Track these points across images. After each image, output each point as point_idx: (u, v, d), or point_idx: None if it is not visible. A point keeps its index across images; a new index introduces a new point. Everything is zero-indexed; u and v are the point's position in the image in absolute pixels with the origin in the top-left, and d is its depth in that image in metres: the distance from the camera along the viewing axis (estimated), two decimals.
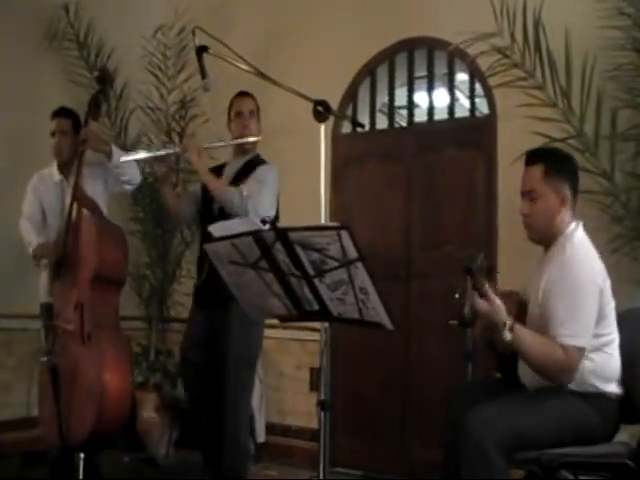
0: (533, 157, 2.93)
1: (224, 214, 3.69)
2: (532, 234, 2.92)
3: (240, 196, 3.65)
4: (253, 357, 3.85)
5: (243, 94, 4.00)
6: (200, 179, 3.89)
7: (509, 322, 2.61)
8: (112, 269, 3.99)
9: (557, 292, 2.72)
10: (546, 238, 2.89)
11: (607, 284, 2.79)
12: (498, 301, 2.60)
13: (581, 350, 2.66)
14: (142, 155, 4.06)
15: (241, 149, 3.97)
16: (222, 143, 4.03)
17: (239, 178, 3.86)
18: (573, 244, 2.80)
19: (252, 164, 3.91)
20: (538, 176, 2.85)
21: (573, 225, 2.86)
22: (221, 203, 3.73)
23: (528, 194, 2.88)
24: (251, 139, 3.92)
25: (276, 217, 3.81)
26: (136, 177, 4.35)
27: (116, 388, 3.74)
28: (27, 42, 5.30)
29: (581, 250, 2.80)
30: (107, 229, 4.04)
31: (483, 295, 2.57)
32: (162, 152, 3.98)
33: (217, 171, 4.00)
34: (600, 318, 2.74)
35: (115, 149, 4.25)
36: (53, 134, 4.29)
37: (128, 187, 4.41)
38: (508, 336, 2.60)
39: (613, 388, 2.78)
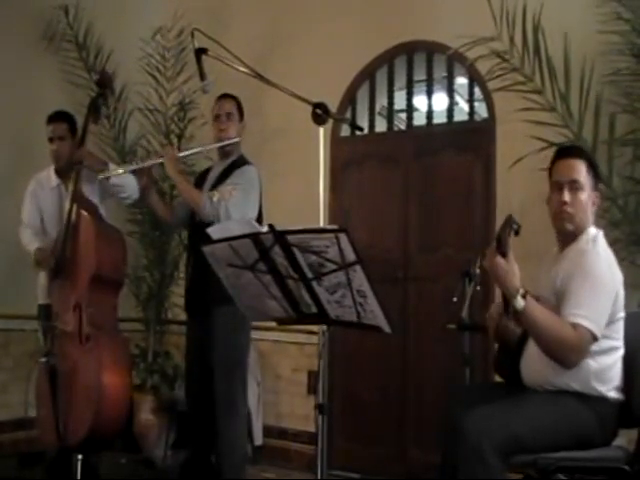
0: (576, 151, 2.98)
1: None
2: (569, 225, 2.86)
3: (210, 202, 3.67)
4: (241, 359, 3.81)
5: (223, 96, 3.99)
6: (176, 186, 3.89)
7: (522, 289, 2.61)
8: (111, 270, 4.00)
9: (577, 277, 2.72)
10: (575, 232, 2.87)
11: (622, 293, 2.80)
12: (516, 267, 2.61)
13: (591, 334, 2.64)
14: (124, 169, 4.03)
15: (223, 152, 3.96)
16: (198, 149, 4.03)
17: (220, 182, 3.86)
18: (597, 243, 2.83)
19: (234, 166, 3.90)
20: (583, 168, 2.87)
21: (594, 230, 2.89)
22: (193, 209, 3.75)
23: (571, 183, 2.85)
24: (224, 143, 3.89)
25: (259, 217, 3.81)
26: (135, 193, 4.31)
27: (114, 389, 3.75)
28: (26, 43, 5.30)
29: (603, 251, 2.82)
30: (106, 231, 4.05)
31: (504, 255, 2.58)
32: (143, 164, 3.98)
33: (203, 176, 4.01)
34: (611, 321, 2.74)
35: (113, 168, 4.21)
36: (51, 140, 4.26)
37: (126, 202, 4.42)
38: (521, 303, 2.59)
39: (613, 394, 2.77)
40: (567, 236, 2.91)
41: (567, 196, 2.86)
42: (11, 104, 5.09)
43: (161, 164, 3.95)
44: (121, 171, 4.01)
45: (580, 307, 2.66)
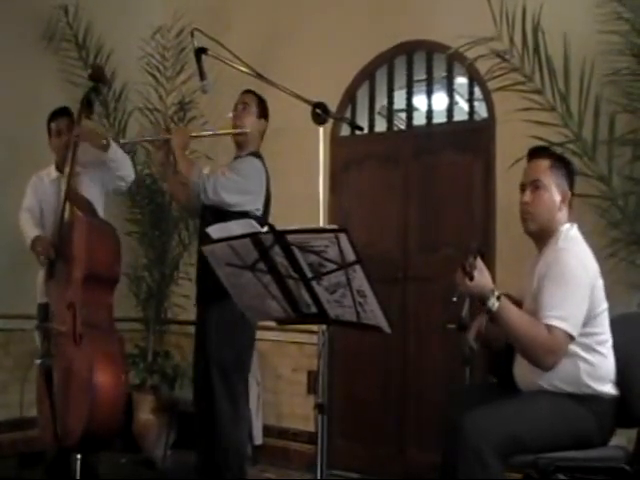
0: (539, 151, 2.98)
1: (219, 213, 3.64)
2: (531, 224, 2.89)
3: (200, 174, 3.64)
4: (239, 358, 3.75)
5: (245, 90, 3.97)
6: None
7: (497, 292, 2.62)
8: (104, 269, 3.97)
9: (549, 277, 2.73)
10: (543, 231, 2.88)
11: (599, 283, 2.80)
12: (487, 272, 2.63)
13: (567, 335, 2.65)
14: (134, 140, 4.10)
15: (237, 144, 3.94)
16: (209, 132, 4.07)
17: None
18: (567, 239, 2.83)
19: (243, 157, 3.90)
20: (545, 167, 2.88)
21: (568, 225, 2.88)
22: (188, 182, 3.73)
23: (532, 183, 2.88)
24: (235, 131, 3.87)
25: (264, 213, 3.79)
26: (130, 174, 4.37)
27: (107, 389, 3.72)
28: (26, 42, 5.30)
29: (575, 245, 2.82)
30: (98, 228, 4.04)
31: (471, 279, 2.59)
32: (151, 138, 4.02)
33: None
34: (592, 316, 2.74)
35: (113, 143, 4.26)
36: (59, 133, 4.29)
37: (122, 184, 4.42)
38: (495, 304, 2.61)
39: (609, 389, 2.78)
40: (537, 237, 2.93)
41: (528, 196, 2.88)
42: (11, 103, 5.09)
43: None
44: (134, 140, 4.11)
45: (553, 308, 2.66)
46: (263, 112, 3.97)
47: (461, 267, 2.61)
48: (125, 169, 4.31)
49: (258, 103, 3.95)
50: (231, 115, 3.94)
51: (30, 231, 4.21)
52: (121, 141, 4.24)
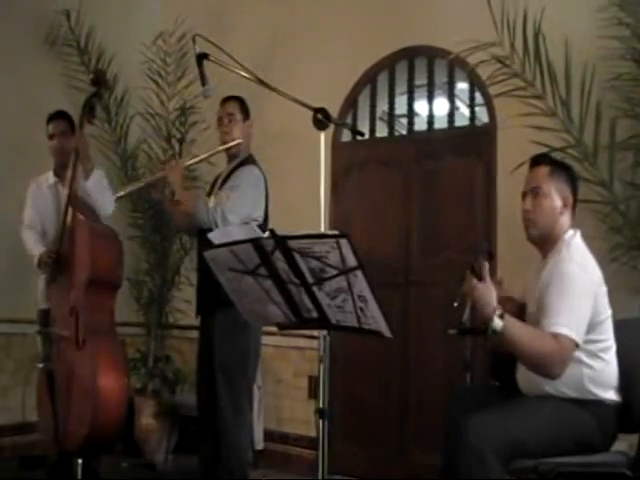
0: (539, 159, 3.00)
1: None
2: (533, 231, 2.90)
3: (206, 210, 3.64)
4: (242, 362, 3.75)
5: (225, 99, 3.97)
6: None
7: (499, 310, 2.61)
8: (106, 273, 3.98)
9: (552, 286, 2.74)
10: (546, 238, 2.89)
11: (603, 290, 2.80)
12: (492, 289, 2.62)
13: (573, 342, 2.65)
14: (131, 188, 4.08)
15: (229, 155, 3.95)
16: (202, 156, 4.02)
17: (223, 186, 3.85)
18: (570, 246, 2.83)
19: (238, 168, 3.88)
20: (544, 174, 2.90)
21: (571, 232, 2.89)
22: (193, 220, 3.72)
23: (532, 191, 2.90)
24: (226, 146, 3.87)
25: (265, 219, 3.80)
26: (106, 210, 4.27)
27: (110, 393, 3.73)
28: (28, 47, 5.32)
29: (578, 253, 2.83)
30: (100, 231, 4.05)
31: (481, 279, 2.59)
32: (147, 180, 4.02)
33: (214, 182, 4.01)
34: (595, 323, 2.75)
35: (95, 174, 4.20)
36: (52, 137, 4.32)
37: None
38: (499, 324, 2.60)
39: (611, 395, 2.78)
40: (540, 243, 2.93)
41: (528, 204, 2.90)
42: (13, 107, 5.11)
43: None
44: (131, 189, 4.06)
45: (559, 315, 2.66)
46: (247, 114, 3.97)
47: (470, 268, 2.62)
48: (99, 206, 4.23)
49: (240, 108, 3.95)
50: (217, 125, 3.95)
51: (34, 249, 4.22)
52: (118, 194, 4.08)
